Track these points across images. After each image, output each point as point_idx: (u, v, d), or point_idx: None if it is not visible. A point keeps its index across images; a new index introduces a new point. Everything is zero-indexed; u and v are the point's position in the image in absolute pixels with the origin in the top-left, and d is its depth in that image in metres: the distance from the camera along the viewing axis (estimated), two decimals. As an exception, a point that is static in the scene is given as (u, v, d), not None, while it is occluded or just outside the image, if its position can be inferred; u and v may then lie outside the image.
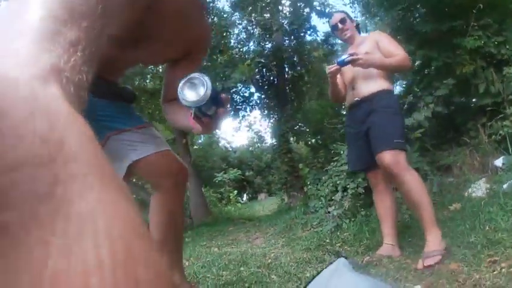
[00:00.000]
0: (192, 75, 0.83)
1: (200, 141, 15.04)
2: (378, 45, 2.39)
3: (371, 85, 2.35)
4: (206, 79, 0.82)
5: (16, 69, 0.24)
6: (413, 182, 2.14)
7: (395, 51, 2.33)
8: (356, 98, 2.40)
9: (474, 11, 3.84)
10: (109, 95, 1.36)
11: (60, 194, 0.14)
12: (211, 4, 8.56)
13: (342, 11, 2.70)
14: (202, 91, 0.81)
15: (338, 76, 2.47)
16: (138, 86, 7.61)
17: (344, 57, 2.25)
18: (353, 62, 2.21)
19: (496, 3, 4.08)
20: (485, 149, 3.54)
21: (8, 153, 0.13)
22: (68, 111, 0.18)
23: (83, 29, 0.38)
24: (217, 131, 9.52)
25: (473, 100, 3.92)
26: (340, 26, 2.54)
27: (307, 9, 7.82)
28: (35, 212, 0.13)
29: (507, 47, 3.89)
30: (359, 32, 2.68)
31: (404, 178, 2.14)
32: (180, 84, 0.83)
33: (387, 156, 2.15)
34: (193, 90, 0.82)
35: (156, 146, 1.41)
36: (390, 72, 2.44)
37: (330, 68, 2.35)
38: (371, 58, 2.25)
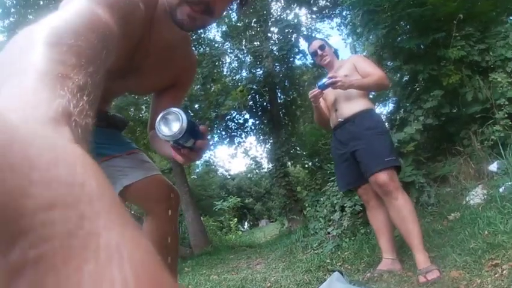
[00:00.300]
0: (168, 110, 0.85)
1: (197, 170, 15.00)
2: (356, 67, 2.47)
3: (353, 106, 2.41)
4: (181, 114, 0.84)
5: (32, 113, 0.26)
6: (404, 200, 2.18)
7: (372, 71, 2.41)
8: (339, 119, 2.46)
9: (455, 22, 3.94)
10: (99, 122, 1.37)
11: (88, 228, 0.16)
12: (202, 35, 8.79)
13: (321, 39, 2.82)
14: (176, 126, 0.84)
15: (321, 100, 2.55)
16: (133, 116, 7.67)
17: (324, 80, 2.31)
18: (333, 85, 2.28)
19: (476, 12, 4.20)
20: (479, 156, 3.55)
21: (40, 197, 0.15)
22: (83, 154, 0.21)
23: (90, 74, 0.41)
24: (212, 160, 9.63)
25: (463, 109, 3.97)
26: (319, 52, 2.64)
27: (294, 35, 8.02)
28: (69, 244, 0.15)
29: (491, 53, 3.97)
30: (337, 58, 2.77)
31: (398, 196, 2.18)
32: (157, 119, 0.86)
33: (382, 176, 2.18)
34: (167, 126, 0.85)
35: (146, 170, 1.40)
36: (370, 91, 2.52)
37: (312, 93, 2.42)
38: (348, 80, 2.32)
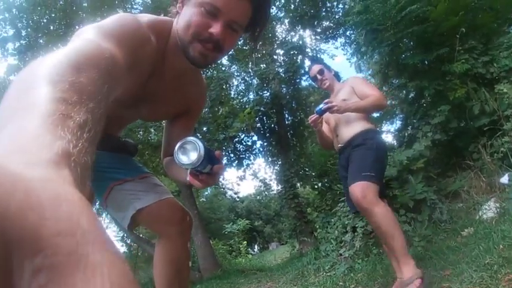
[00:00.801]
0: (185, 140, 0.91)
1: (206, 193, 14.96)
2: (354, 89, 2.51)
3: (352, 129, 2.44)
4: (198, 142, 0.90)
5: (35, 156, 0.31)
6: (381, 215, 2.13)
7: (369, 92, 2.43)
8: (340, 145, 2.50)
9: (458, 36, 3.96)
10: (112, 147, 1.42)
11: (81, 251, 0.23)
12: (209, 59, 8.94)
13: (321, 63, 2.85)
14: (194, 155, 0.89)
15: (324, 124, 2.60)
16: (142, 139, 7.75)
17: (321, 105, 2.35)
18: (329, 110, 2.32)
19: (478, 24, 4.22)
20: (489, 169, 3.48)
21: (51, 228, 0.23)
22: (79, 197, 0.27)
23: (90, 110, 0.43)
24: (221, 182, 9.58)
25: (471, 122, 3.93)
26: (319, 77, 2.71)
27: (300, 57, 8.13)
28: (68, 259, 0.23)
29: (495, 65, 3.95)
30: (338, 80, 2.81)
31: (372, 212, 2.13)
32: (175, 149, 0.91)
33: (355, 190, 2.17)
34: (186, 155, 0.90)
35: (159, 194, 1.41)
36: (367, 113, 2.51)
37: (311, 118, 2.45)
38: (345, 104, 2.36)
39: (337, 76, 2.81)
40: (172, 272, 1.40)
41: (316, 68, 2.75)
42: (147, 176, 1.46)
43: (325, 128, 2.65)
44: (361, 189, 2.15)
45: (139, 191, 1.40)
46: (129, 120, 1.54)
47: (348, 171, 2.32)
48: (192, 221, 1.46)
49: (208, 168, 0.98)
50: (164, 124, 1.48)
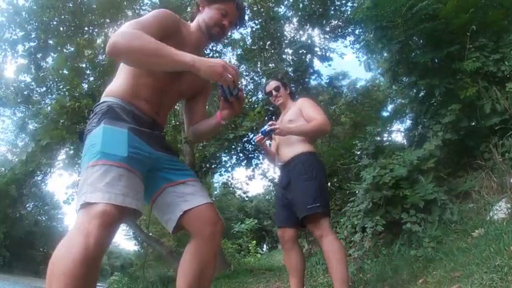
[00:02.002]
0: None
1: (216, 192, 14.99)
2: (302, 111, 2.61)
3: (291, 150, 2.56)
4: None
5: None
6: (328, 251, 2.31)
7: (314, 116, 2.53)
8: (279, 163, 2.65)
9: (468, 34, 3.91)
10: (165, 148, 1.56)
11: None
12: (218, 58, 8.96)
13: (278, 80, 2.98)
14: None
15: (273, 141, 2.82)
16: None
17: (266, 127, 2.51)
18: (273, 131, 2.46)
19: (488, 21, 4.16)
20: (500, 169, 3.42)
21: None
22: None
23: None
24: (230, 182, 9.61)
25: (482, 121, 3.87)
26: (274, 93, 2.81)
27: (309, 56, 8.08)
28: None
29: (506, 63, 3.89)
30: (293, 99, 2.90)
31: (323, 244, 2.32)
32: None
33: (308, 225, 2.38)
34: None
35: (203, 198, 1.51)
36: (309, 137, 2.59)
37: (256, 138, 2.62)
38: (287, 128, 2.50)
39: (292, 95, 2.94)
40: (197, 271, 1.45)
41: (273, 84, 2.86)
42: (195, 180, 1.57)
43: (273, 145, 2.83)
44: (312, 220, 2.34)
45: (188, 194, 1.49)
46: (172, 101, 1.71)
47: (294, 203, 2.45)
48: (223, 226, 1.54)
49: (236, 90, 1.48)
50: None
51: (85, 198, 1.19)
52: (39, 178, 10.71)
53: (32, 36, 7.32)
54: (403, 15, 4.13)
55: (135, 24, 1.37)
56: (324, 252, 2.33)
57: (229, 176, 9.66)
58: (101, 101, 1.46)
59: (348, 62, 16.86)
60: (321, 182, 2.50)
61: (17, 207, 16.47)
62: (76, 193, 5.24)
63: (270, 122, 2.51)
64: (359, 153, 5.31)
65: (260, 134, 2.53)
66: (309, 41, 8.50)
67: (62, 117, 6.04)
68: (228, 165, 8.65)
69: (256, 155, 8.59)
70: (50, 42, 7.43)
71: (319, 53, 8.31)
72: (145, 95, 1.48)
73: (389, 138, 6.07)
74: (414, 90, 5.08)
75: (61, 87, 6.97)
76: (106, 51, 1.31)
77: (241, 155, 8.39)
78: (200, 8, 1.69)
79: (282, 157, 2.60)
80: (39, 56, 7.52)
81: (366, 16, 4.51)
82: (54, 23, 7.46)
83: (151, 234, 8.63)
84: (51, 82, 7.62)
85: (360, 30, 6.95)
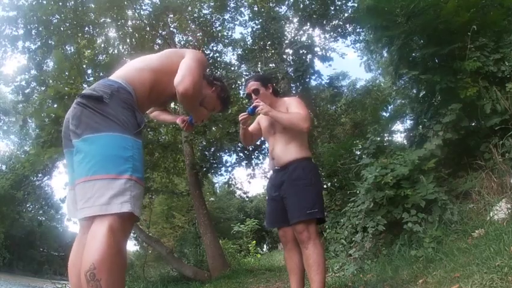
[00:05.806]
0: None
1: (217, 192, 15.01)
2: (288, 109, 2.63)
3: (288, 155, 2.56)
4: None
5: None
6: (311, 254, 2.36)
7: (296, 110, 2.56)
8: (276, 167, 2.65)
9: (469, 34, 3.92)
10: None
11: None
12: (218, 58, 8.97)
13: (258, 78, 2.80)
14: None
15: (255, 124, 2.83)
16: (151, 139, 7.79)
17: (252, 106, 2.55)
18: (256, 109, 2.52)
19: (488, 21, 4.16)
20: (501, 169, 3.43)
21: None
22: None
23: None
24: (230, 182, 9.63)
25: (482, 121, 3.87)
26: (254, 96, 2.72)
27: (309, 56, 8.08)
28: None
29: (506, 63, 3.90)
30: (276, 95, 2.80)
31: (307, 247, 2.37)
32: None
33: (299, 227, 2.40)
34: None
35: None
36: (285, 126, 2.57)
37: (241, 116, 2.63)
38: (268, 107, 2.52)
39: (275, 92, 2.84)
40: None
41: (251, 85, 2.72)
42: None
43: (253, 127, 2.83)
44: (305, 225, 2.39)
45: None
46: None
47: (290, 206, 2.48)
48: None
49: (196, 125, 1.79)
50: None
51: (131, 209, 1.36)
52: (39, 178, 10.71)
53: (33, 33, 7.32)
54: (403, 15, 4.13)
55: (200, 71, 1.74)
56: (307, 255, 2.40)
57: (231, 177, 9.65)
58: (125, 87, 1.58)
59: (350, 61, 16.89)
60: (319, 188, 2.61)
61: (17, 207, 16.45)
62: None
63: (256, 101, 2.55)
64: (359, 153, 5.30)
65: (246, 113, 2.59)
66: (310, 41, 8.50)
67: (58, 102, 5.88)
68: (228, 165, 8.66)
69: (256, 154, 8.60)
70: (51, 42, 7.43)
71: (319, 53, 8.32)
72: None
73: (389, 138, 6.07)
74: (415, 90, 5.07)
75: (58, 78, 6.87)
76: (180, 91, 1.62)
77: (241, 154, 8.40)
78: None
79: (279, 161, 2.59)
80: (39, 58, 7.54)
81: (368, 10, 4.50)
82: (55, 20, 7.45)
83: (151, 234, 8.62)
84: (51, 81, 7.61)
85: (361, 30, 6.95)
